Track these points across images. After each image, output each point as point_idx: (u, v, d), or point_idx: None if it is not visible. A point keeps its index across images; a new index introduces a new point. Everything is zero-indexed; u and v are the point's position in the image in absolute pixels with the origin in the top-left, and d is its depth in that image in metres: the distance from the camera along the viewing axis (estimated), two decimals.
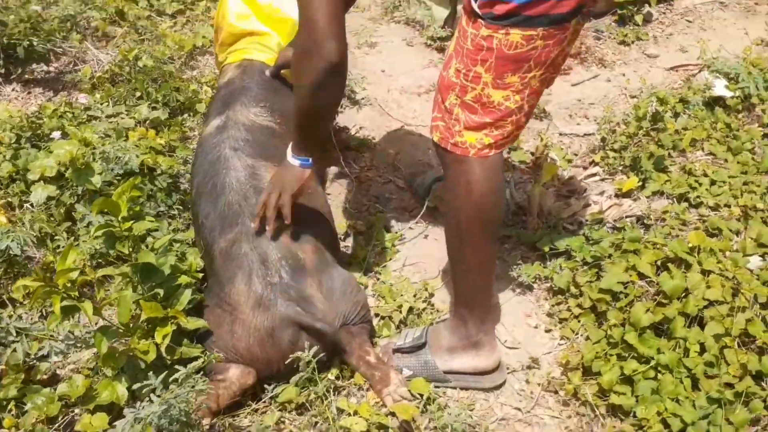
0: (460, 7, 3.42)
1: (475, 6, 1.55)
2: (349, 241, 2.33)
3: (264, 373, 1.82)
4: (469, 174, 1.71)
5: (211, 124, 2.08)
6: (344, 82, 1.72)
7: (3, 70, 2.84)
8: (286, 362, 1.76)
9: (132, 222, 1.68)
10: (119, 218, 1.66)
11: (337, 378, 1.87)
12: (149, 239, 1.92)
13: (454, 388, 1.92)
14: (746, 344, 1.87)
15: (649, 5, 3.51)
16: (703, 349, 1.86)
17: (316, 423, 1.77)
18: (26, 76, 2.92)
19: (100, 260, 2.01)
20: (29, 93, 2.85)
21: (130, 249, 1.68)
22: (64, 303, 1.55)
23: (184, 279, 1.76)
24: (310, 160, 1.80)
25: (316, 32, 1.54)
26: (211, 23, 3.26)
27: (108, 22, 3.20)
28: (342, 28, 1.57)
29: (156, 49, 2.93)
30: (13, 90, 2.84)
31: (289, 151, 1.81)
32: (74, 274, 1.52)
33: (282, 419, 1.78)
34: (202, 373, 1.72)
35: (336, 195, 2.51)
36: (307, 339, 1.77)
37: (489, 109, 1.65)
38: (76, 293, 1.53)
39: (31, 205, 2.17)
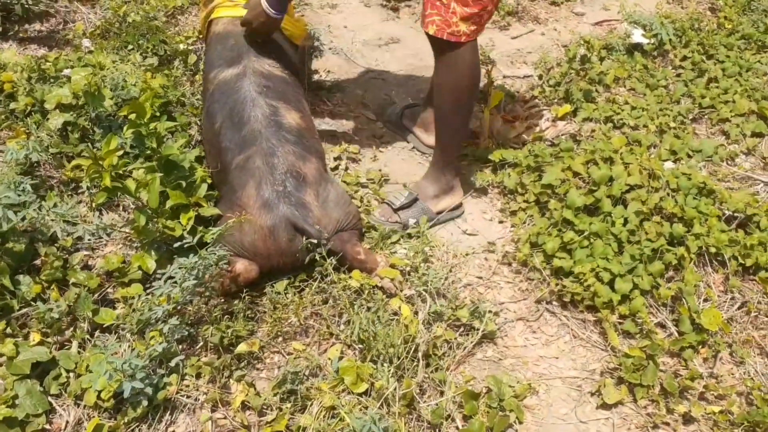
0: None
1: None
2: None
3: (264, 268, 2.12)
4: (464, 55, 2.23)
5: (229, 71, 2.38)
6: None
7: (1, 29, 3.11)
8: (283, 259, 2.09)
9: (156, 123, 2.01)
10: (146, 119, 1.99)
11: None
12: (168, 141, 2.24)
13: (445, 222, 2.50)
14: (661, 216, 2.32)
15: None
16: (626, 222, 2.29)
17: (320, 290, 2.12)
18: (20, 35, 3.18)
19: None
20: (25, 49, 3.12)
21: (155, 145, 2.01)
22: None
23: (200, 173, 2.10)
24: (282, 14, 2.31)
25: None
26: None
27: None
28: None
29: (142, 7, 3.25)
30: (9, 47, 3.10)
31: (264, 2, 2.27)
32: (116, 157, 1.84)
33: (287, 288, 2.13)
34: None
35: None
36: (302, 240, 2.08)
37: (477, 2, 2.14)
38: (123, 171, 1.85)
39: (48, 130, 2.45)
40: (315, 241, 2.05)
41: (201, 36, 2.84)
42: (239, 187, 2.12)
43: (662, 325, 2.13)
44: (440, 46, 2.24)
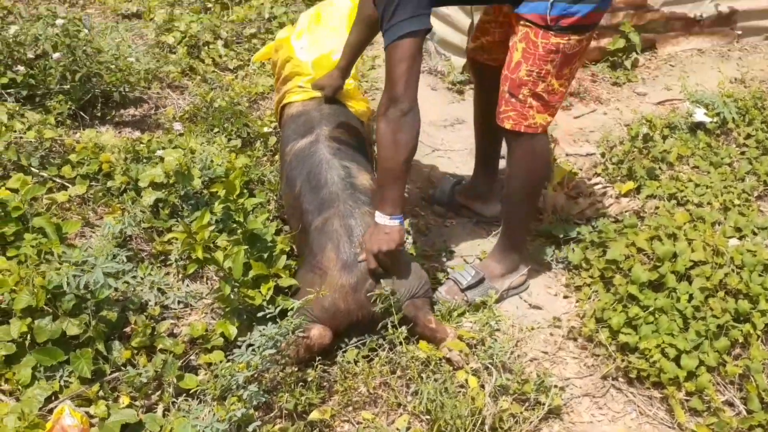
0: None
1: (548, 21, 2.14)
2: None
3: (342, 326, 2.23)
4: (538, 145, 2.36)
5: (302, 140, 2.58)
6: (418, 128, 2.16)
7: (100, 114, 3.42)
8: (362, 312, 2.20)
9: (243, 199, 2.18)
10: (234, 196, 2.17)
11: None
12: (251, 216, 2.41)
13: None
14: (726, 293, 2.34)
15: (637, 53, 4.10)
16: (691, 298, 2.32)
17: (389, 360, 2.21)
18: (116, 119, 3.48)
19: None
20: (120, 132, 3.41)
21: (241, 219, 2.18)
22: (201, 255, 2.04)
23: (280, 246, 2.25)
24: (402, 217, 2.22)
25: (396, 92, 2.10)
26: (268, 74, 3.87)
27: (181, 75, 3.81)
28: (415, 89, 2.13)
29: (227, 93, 3.52)
30: (107, 130, 3.39)
31: (379, 214, 2.19)
32: (209, 231, 2.01)
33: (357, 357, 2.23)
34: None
35: None
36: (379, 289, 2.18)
37: (552, 95, 2.28)
38: (211, 245, 2.02)
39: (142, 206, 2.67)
40: (389, 291, 2.15)
41: (276, 119, 3.07)
42: (319, 250, 2.24)
43: (730, 403, 2.13)
44: (515, 139, 2.35)
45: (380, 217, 2.19)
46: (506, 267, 2.55)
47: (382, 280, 2.19)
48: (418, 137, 2.18)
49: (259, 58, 3.24)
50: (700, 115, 3.48)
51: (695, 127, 3.47)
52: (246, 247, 2.10)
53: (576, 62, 2.28)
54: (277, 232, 2.43)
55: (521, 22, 2.21)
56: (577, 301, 2.55)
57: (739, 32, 4.39)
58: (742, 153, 3.33)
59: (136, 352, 2.20)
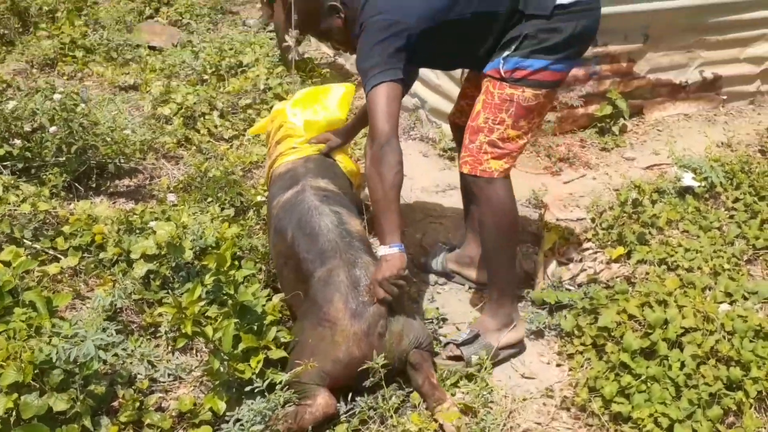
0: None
1: (502, 74, 2.34)
2: None
3: (354, 374, 2.18)
4: (498, 190, 2.43)
5: (288, 193, 2.63)
6: (400, 158, 2.27)
7: (94, 185, 3.46)
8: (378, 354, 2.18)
9: (234, 270, 2.20)
10: (224, 268, 2.18)
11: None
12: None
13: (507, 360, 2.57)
14: (718, 360, 2.33)
15: (624, 119, 4.18)
16: (683, 366, 2.31)
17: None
18: (110, 189, 3.52)
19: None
20: (115, 203, 3.44)
21: (232, 291, 2.19)
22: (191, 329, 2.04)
23: (270, 317, 2.25)
24: (401, 245, 2.29)
25: (376, 130, 2.26)
26: (262, 144, 3.93)
27: (177, 145, 3.87)
28: (395, 129, 2.28)
29: (221, 163, 3.57)
30: (101, 201, 3.43)
31: (380, 248, 2.29)
32: (199, 305, 2.02)
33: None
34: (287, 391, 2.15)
35: None
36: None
37: (507, 143, 2.40)
38: (201, 319, 2.02)
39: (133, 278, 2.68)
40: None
41: (266, 188, 3.12)
42: (325, 302, 2.24)
43: None
44: (475, 184, 2.44)
45: (381, 249, 2.28)
46: (500, 321, 2.55)
47: (391, 318, 2.23)
48: (402, 166, 2.28)
49: (254, 131, 3.31)
50: (688, 179, 3.52)
51: (684, 192, 3.50)
52: (236, 320, 2.10)
53: (534, 117, 2.42)
54: (268, 300, 2.42)
55: (485, 79, 2.42)
56: (570, 370, 2.53)
57: (725, 97, 4.48)
58: (731, 217, 3.35)
59: (123, 427, 2.18)
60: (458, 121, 2.80)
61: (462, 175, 2.50)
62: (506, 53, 2.34)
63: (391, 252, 2.26)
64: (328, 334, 2.19)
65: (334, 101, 3.07)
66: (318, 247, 2.37)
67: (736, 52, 4.36)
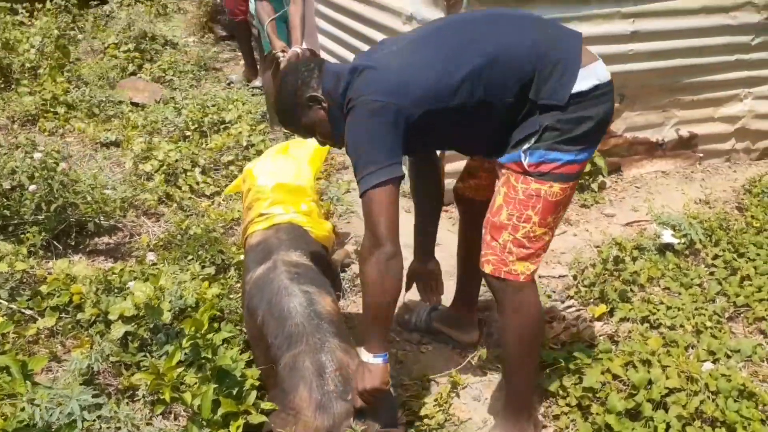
0: (447, 181, 4.13)
1: (525, 168, 2.13)
2: None
3: None
4: (525, 296, 2.24)
5: (260, 268, 2.60)
6: (402, 272, 2.11)
7: (73, 242, 3.42)
8: None
9: (212, 333, 2.16)
10: (202, 331, 2.15)
11: None
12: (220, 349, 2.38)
13: None
14: (703, 420, 2.32)
15: (603, 176, 4.24)
16: (668, 427, 2.29)
17: None
18: (89, 248, 3.49)
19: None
20: (93, 261, 3.41)
21: (210, 355, 2.15)
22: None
23: (250, 381, 2.21)
24: (386, 355, 2.13)
25: (378, 236, 2.06)
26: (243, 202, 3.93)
27: (158, 202, 3.85)
28: (397, 234, 2.10)
29: (202, 220, 3.56)
30: (80, 259, 3.39)
31: (364, 353, 2.13)
32: (178, 371, 1.98)
33: None
34: None
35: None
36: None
37: (534, 242, 2.20)
38: (179, 385, 1.98)
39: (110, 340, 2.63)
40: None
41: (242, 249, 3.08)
42: (290, 389, 2.18)
43: None
44: (496, 285, 2.26)
45: (365, 355, 2.14)
46: None
47: (359, 421, 2.13)
48: (402, 282, 2.15)
49: (229, 191, 3.30)
50: (667, 236, 3.56)
51: (663, 248, 3.54)
52: (215, 385, 2.06)
53: (560, 211, 2.23)
54: (248, 364, 2.38)
55: (503, 169, 2.21)
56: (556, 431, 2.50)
57: (701, 155, 4.57)
58: (711, 273, 3.38)
59: None
60: (468, 195, 2.70)
61: (484, 274, 2.28)
62: (527, 146, 2.12)
63: (375, 363, 2.12)
64: (291, 422, 2.12)
65: (305, 153, 3.06)
66: (285, 331, 2.31)
67: (710, 111, 4.47)
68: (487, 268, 2.25)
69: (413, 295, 2.89)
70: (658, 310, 3.07)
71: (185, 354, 2.17)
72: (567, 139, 2.11)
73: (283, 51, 4.04)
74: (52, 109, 5.07)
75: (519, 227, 2.18)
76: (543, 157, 2.12)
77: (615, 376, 2.52)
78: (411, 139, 2.12)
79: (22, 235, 3.24)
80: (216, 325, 2.22)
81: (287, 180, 2.99)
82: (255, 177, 2.99)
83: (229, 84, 6.11)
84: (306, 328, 2.29)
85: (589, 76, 2.12)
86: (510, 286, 2.23)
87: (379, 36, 4.06)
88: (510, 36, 2.17)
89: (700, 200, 4.13)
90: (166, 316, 2.63)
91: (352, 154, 2.11)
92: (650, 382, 2.42)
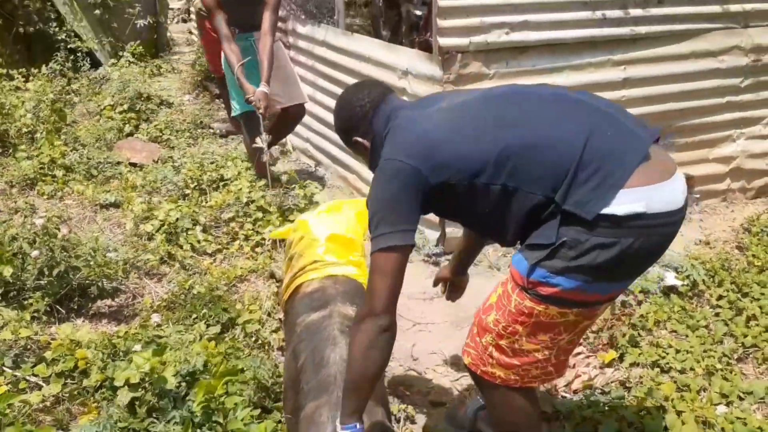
0: (449, 230, 4.14)
1: (524, 283, 1.92)
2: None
3: None
4: (507, 400, 2.12)
5: (315, 314, 2.54)
6: (391, 347, 1.97)
7: (76, 306, 3.40)
8: None
9: (225, 397, 2.13)
10: (216, 395, 2.12)
11: None
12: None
13: None
14: None
15: None
16: None
17: None
18: (92, 311, 3.46)
19: None
20: (96, 324, 3.37)
21: (221, 420, 2.12)
22: None
23: None
24: (359, 426, 1.95)
25: (376, 304, 1.92)
26: (247, 257, 3.93)
27: (160, 262, 3.84)
28: (395, 304, 1.96)
29: (205, 279, 3.54)
30: (83, 323, 3.36)
31: (338, 424, 1.97)
32: None
33: None
34: None
35: None
36: None
37: (519, 355, 2.02)
38: None
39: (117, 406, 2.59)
40: None
41: (282, 297, 3.01)
42: None
43: None
44: (475, 379, 2.19)
45: (337, 421, 2.00)
46: None
47: None
48: (390, 357, 2.00)
49: (276, 235, 3.29)
50: (670, 278, 3.56)
51: (668, 291, 3.54)
52: None
53: (562, 333, 1.99)
54: (259, 421, 2.34)
55: (509, 266, 2.03)
56: None
57: (697, 195, 4.60)
58: (717, 314, 3.37)
59: None
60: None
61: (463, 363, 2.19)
62: (535, 259, 1.89)
63: None
64: None
65: (357, 215, 3.08)
66: (317, 379, 2.26)
67: (704, 152, 4.53)
68: (467, 359, 2.17)
69: (420, 347, 2.85)
70: (668, 353, 3.06)
71: (195, 416, 2.13)
72: (579, 266, 1.85)
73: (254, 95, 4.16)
74: (50, 173, 5.08)
75: (504, 336, 2.02)
76: (545, 279, 1.89)
77: (630, 424, 2.50)
78: (431, 202, 2.01)
79: (25, 301, 3.22)
80: (226, 387, 2.19)
81: (341, 232, 3.00)
82: (310, 226, 3.00)
83: (220, 137, 6.15)
84: (337, 380, 2.25)
85: (633, 201, 1.81)
86: (485, 384, 2.14)
87: None
88: (557, 126, 1.95)
89: (700, 241, 4.15)
90: (171, 382, 2.60)
91: (369, 208, 2.03)
92: (666, 429, 2.39)
